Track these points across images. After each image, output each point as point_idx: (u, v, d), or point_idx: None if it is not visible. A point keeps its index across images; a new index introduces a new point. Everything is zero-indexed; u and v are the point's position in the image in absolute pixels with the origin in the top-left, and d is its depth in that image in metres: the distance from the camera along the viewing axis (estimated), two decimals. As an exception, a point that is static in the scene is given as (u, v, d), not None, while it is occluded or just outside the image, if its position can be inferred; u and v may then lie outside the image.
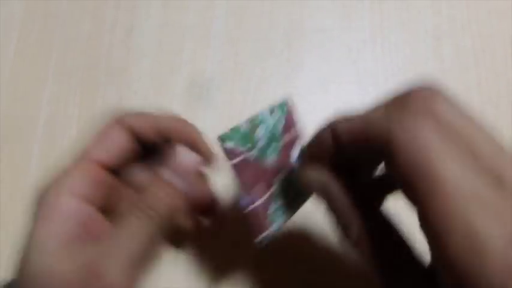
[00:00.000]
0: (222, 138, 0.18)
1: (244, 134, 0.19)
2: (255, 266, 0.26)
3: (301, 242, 0.27)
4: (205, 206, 0.22)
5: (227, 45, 0.31)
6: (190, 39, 0.31)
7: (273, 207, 0.20)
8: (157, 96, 0.30)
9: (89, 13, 0.32)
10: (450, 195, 0.13)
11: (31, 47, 0.31)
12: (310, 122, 0.21)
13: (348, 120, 0.16)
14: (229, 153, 0.18)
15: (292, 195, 0.21)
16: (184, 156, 0.20)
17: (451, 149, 0.13)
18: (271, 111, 0.20)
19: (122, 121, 0.20)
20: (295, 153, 0.21)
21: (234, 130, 0.18)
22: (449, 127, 0.14)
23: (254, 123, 0.19)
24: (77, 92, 0.30)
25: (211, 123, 0.29)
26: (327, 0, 0.32)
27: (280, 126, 0.20)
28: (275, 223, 0.20)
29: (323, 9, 0.32)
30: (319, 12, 0.32)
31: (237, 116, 0.30)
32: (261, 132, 0.19)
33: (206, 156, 0.21)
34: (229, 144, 0.18)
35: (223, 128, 0.29)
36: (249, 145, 0.19)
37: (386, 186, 0.18)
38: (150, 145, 0.21)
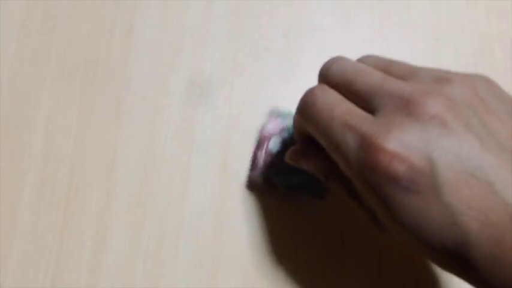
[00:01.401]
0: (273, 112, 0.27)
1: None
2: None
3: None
4: None
5: (227, 44, 0.31)
6: (190, 39, 0.31)
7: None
8: (156, 96, 0.30)
9: (88, 13, 0.32)
10: None
11: (31, 47, 0.31)
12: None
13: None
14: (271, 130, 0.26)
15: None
16: None
17: None
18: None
19: None
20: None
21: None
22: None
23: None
24: (77, 92, 0.30)
25: (211, 123, 0.29)
26: (326, 0, 0.32)
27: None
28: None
29: (322, 8, 0.32)
30: (319, 11, 0.32)
31: (237, 116, 0.30)
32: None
33: None
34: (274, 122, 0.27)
35: (223, 128, 0.29)
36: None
37: None
38: None
